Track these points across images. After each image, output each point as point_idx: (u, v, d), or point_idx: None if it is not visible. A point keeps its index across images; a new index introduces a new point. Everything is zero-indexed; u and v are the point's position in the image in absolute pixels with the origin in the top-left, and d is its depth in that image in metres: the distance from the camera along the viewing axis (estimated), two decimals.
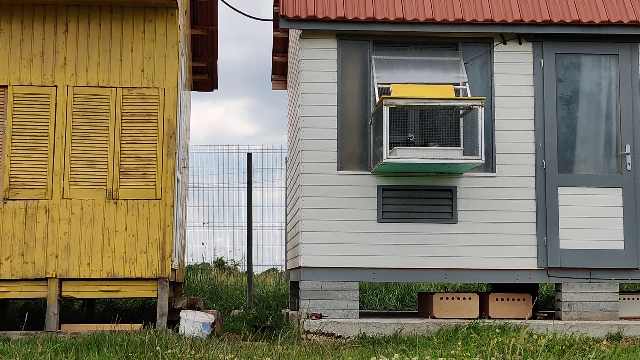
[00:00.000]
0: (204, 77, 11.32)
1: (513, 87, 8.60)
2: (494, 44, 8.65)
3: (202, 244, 12.98)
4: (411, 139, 8.19)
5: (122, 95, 8.03)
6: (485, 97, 8.08)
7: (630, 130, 8.58)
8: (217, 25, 10.45)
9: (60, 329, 7.74)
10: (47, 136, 7.94)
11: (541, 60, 8.64)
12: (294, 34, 9.75)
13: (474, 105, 7.97)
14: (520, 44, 8.65)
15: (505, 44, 8.65)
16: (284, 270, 12.58)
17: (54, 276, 7.80)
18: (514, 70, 8.62)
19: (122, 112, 8.00)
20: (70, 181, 7.91)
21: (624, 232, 8.48)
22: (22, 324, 7.89)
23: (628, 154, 8.54)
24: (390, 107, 7.87)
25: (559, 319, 8.37)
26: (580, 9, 8.61)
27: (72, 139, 7.94)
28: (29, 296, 7.92)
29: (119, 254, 7.85)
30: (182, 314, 7.82)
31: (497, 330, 7.33)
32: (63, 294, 7.85)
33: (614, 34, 8.63)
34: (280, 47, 11.14)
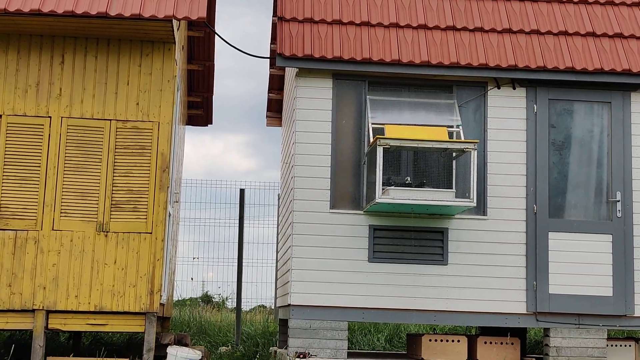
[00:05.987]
0: (199, 111, 11.36)
1: (506, 132, 8.65)
2: (488, 88, 8.72)
3: (192, 279, 12.91)
4: (407, 182, 8.21)
5: (116, 128, 8.04)
6: (478, 141, 8.12)
7: (621, 177, 8.63)
8: (213, 61, 10.51)
9: None
10: (40, 167, 7.93)
11: (534, 105, 8.70)
12: (290, 72, 9.82)
13: (467, 148, 8.01)
14: (514, 88, 8.73)
15: (499, 88, 8.72)
16: (273, 307, 12.52)
17: (41, 308, 7.74)
18: (507, 114, 8.69)
19: (115, 145, 8.01)
20: (60, 212, 7.88)
21: (613, 279, 8.49)
22: (8, 355, 7.81)
23: (618, 200, 8.58)
24: (384, 148, 7.90)
25: None
26: (574, 56, 8.71)
27: (64, 170, 7.94)
28: (15, 327, 7.85)
29: (107, 287, 7.81)
30: (170, 349, 7.75)
31: None
32: (50, 326, 7.78)
33: (607, 82, 8.72)
34: (276, 84, 11.21)
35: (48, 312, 7.77)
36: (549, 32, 8.87)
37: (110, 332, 9.45)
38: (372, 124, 8.38)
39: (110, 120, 8.06)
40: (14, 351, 7.86)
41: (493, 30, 8.84)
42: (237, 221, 12.18)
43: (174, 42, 8.17)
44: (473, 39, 8.75)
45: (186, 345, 8.48)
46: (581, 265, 8.49)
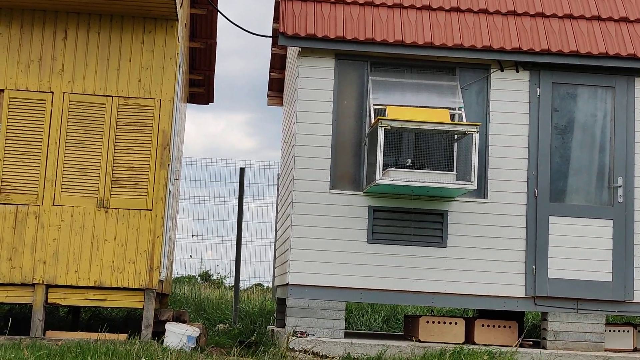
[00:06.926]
0: (200, 89, 11.33)
1: (508, 115, 8.63)
2: (491, 71, 8.69)
3: (190, 256, 12.95)
4: (408, 163, 8.20)
5: (118, 105, 8.03)
6: (480, 123, 8.11)
7: (624, 162, 8.62)
8: (215, 39, 10.47)
9: (44, 335, 7.70)
10: (41, 142, 7.92)
11: (537, 88, 8.68)
12: (292, 52, 9.78)
13: (469, 131, 7.99)
14: (518, 71, 8.70)
15: (502, 71, 8.69)
16: (271, 286, 12.55)
17: (41, 282, 7.76)
18: (510, 97, 8.66)
19: (117, 122, 8.00)
20: (61, 188, 7.89)
21: (613, 264, 8.50)
22: (7, 328, 7.84)
23: (620, 186, 8.58)
24: (385, 129, 7.88)
25: (544, 347, 8.37)
26: (578, 39, 8.67)
27: (65, 146, 7.93)
28: (15, 301, 7.88)
29: (107, 263, 7.82)
30: (168, 325, 7.78)
31: (485, 358, 7.32)
32: (49, 300, 7.80)
33: (611, 66, 8.68)
34: (278, 63, 11.17)
35: (48, 286, 7.79)
36: (554, 15, 8.83)
37: (109, 307, 9.48)
38: (374, 104, 8.36)
39: (112, 96, 8.04)
40: (13, 324, 7.88)
41: (497, 13, 8.79)
42: (237, 200, 12.20)
43: (177, 19, 8.13)
44: (477, 21, 8.71)
45: (184, 322, 8.51)
46: (581, 250, 8.50)
